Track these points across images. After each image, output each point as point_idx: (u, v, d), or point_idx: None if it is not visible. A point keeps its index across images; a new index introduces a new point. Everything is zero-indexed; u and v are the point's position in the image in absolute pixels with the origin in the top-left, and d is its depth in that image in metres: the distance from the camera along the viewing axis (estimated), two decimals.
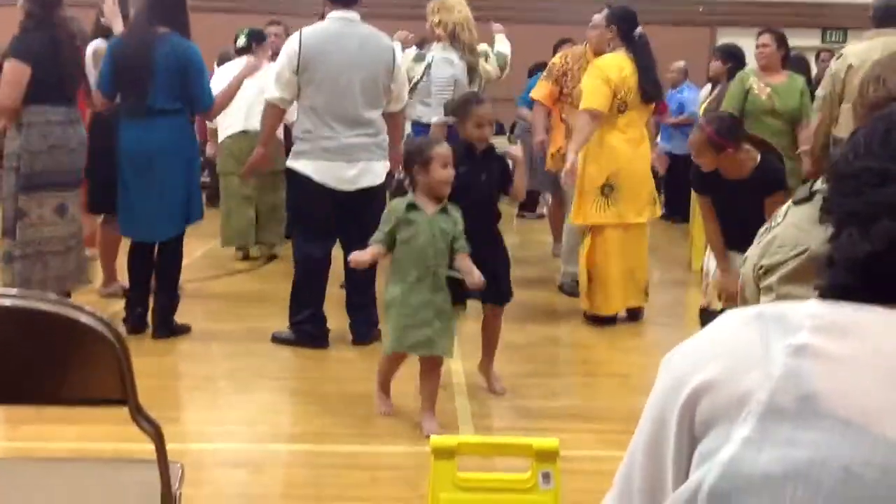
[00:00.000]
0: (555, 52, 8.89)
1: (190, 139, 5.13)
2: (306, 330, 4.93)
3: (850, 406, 0.80)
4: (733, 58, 7.11)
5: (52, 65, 4.88)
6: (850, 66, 4.92)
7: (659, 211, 5.92)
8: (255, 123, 6.23)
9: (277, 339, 4.99)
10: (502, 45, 6.56)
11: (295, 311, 4.97)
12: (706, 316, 4.29)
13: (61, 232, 5.02)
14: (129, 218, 5.09)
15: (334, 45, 4.81)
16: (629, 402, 4.10)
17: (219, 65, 10.53)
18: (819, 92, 5.18)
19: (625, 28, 5.54)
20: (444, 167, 3.75)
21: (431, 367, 3.84)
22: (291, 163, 4.89)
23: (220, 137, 7.17)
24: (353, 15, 4.90)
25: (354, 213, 4.76)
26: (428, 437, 3.84)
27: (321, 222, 4.88)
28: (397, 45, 5.15)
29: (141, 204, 4.99)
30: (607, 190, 5.50)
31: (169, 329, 5.07)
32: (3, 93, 4.83)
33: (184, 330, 5.15)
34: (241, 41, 7.01)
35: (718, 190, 4.34)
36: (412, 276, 3.73)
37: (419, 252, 3.73)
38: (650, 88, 5.54)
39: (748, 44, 7.75)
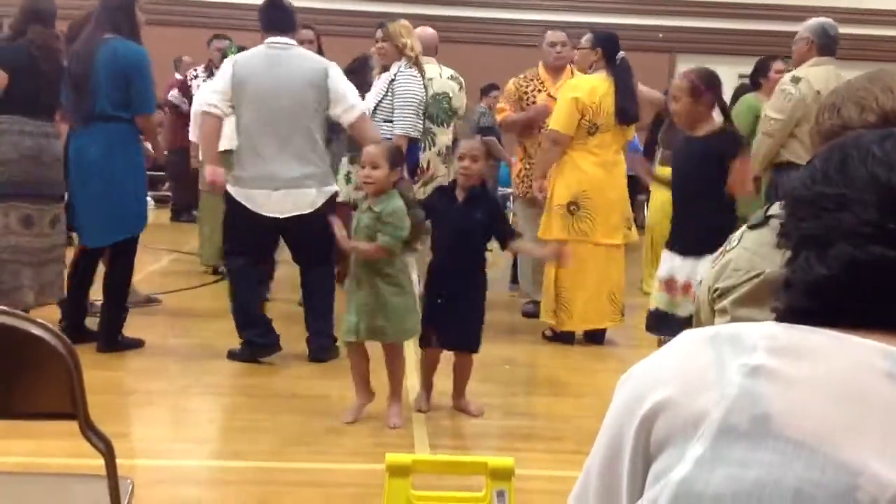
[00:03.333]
0: (482, 97, 9.17)
1: (133, 147, 4.99)
2: (257, 338, 4.91)
3: (803, 427, 0.80)
4: None
5: (30, 77, 4.83)
6: (818, 93, 4.96)
7: (634, 235, 5.95)
8: None
9: (233, 357, 4.93)
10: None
11: (241, 324, 4.94)
12: (658, 318, 4.38)
13: (32, 244, 4.93)
14: (78, 224, 5.05)
15: (263, 72, 4.83)
16: (585, 422, 4.11)
17: (176, 70, 10.51)
18: (776, 115, 5.21)
19: (609, 50, 5.60)
20: (363, 167, 4.00)
21: (392, 354, 4.09)
22: (229, 186, 4.92)
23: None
24: (287, 40, 4.91)
25: (293, 238, 4.87)
26: (394, 427, 3.93)
27: (254, 244, 4.95)
28: (333, 65, 5.04)
29: (85, 210, 4.95)
30: (573, 208, 5.55)
31: (112, 344, 4.96)
32: None
33: (134, 344, 5.06)
34: None
35: (676, 152, 4.68)
36: (354, 271, 4.03)
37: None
38: (628, 110, 5.55)
39: None
